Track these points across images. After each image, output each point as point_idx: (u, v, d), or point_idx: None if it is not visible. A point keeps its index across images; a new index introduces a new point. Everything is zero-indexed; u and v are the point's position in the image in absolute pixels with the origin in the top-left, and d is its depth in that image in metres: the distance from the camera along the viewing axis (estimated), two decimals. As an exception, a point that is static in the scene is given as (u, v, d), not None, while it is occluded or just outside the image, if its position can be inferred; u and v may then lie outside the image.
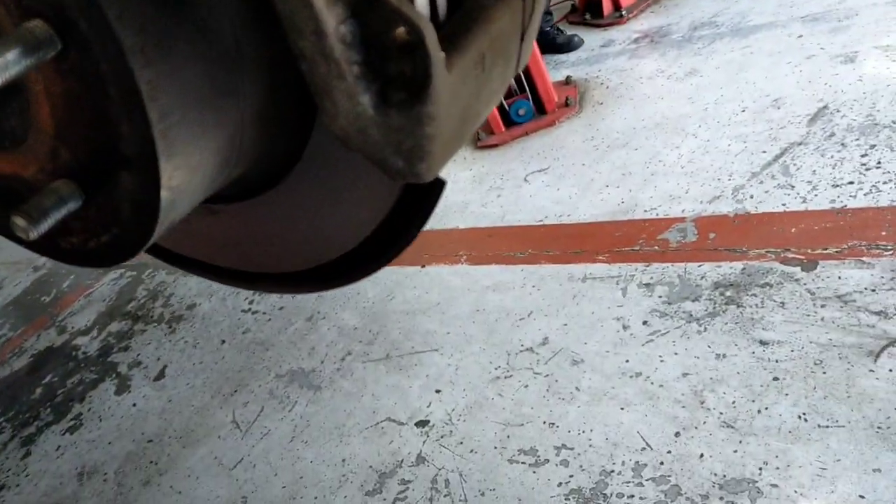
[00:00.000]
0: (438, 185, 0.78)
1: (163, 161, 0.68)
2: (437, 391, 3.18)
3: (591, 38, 6.00)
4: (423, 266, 4.02)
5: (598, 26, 6.11)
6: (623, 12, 6.07)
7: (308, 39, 0.63)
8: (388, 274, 4.10)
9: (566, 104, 5.01)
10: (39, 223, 0.71)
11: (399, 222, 0.85)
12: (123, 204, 0.73)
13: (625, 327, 3.09)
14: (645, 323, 3.06)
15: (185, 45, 0.66)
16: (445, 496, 2.69)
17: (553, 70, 5.57)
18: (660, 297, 3.15)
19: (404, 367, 3.40)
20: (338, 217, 0.89)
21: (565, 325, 3.22)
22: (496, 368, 3.15)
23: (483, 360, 3.21)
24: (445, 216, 4.32)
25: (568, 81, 5.31)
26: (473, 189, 4.53)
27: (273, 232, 0.94)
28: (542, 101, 4.99)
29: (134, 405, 3.90)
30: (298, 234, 0.93)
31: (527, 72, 4.93)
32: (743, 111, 4.15)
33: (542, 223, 3.95)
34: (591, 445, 2.65)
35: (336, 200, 0.86)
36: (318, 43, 0.63)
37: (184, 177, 0.72)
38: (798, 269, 3.02)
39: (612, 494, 2.45)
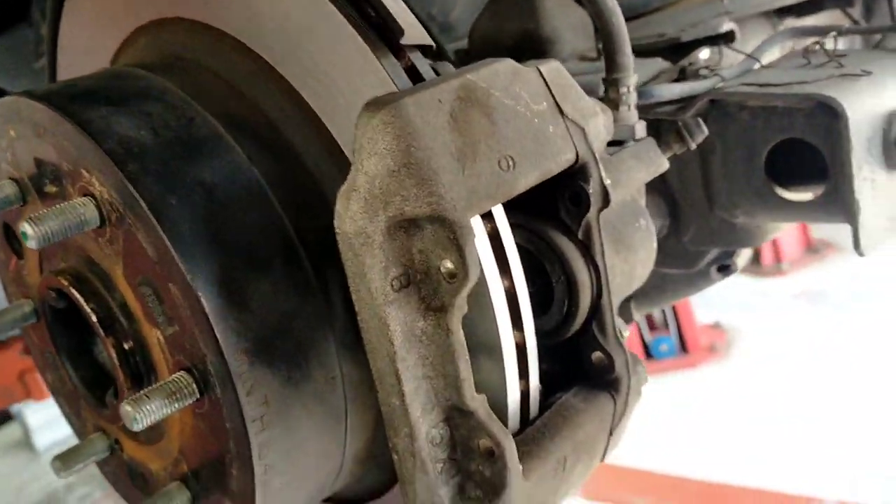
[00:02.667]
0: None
1: (259, 501, 0.76)
2: None
3: (748, 286, 5.91)
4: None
5: (756, 274, 6.04)
6: (783, 265, 5.98)
7: (401, 438, 0.70)
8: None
9: (712, 349, 4.91)
10: (151, 522, 0.81)
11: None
12: (222, 521, 0.82)
13: None
14: None
15: (300, 411, 0.76)
16: None
17: (701, 308, 5.50)
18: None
19: None
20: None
21: None
22: None
23: None
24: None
25: (717, 326, 5.22)
26: (600, 419, 4.45)
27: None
28: (685, 339, 4.93)
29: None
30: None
31: (672, 307, 4.91)
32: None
33: (665, 473, 3.80)
34: None
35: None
36: (409, 443, 0.70)
37: (277, 509, 0.80)
38: None
39: None
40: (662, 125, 0.99)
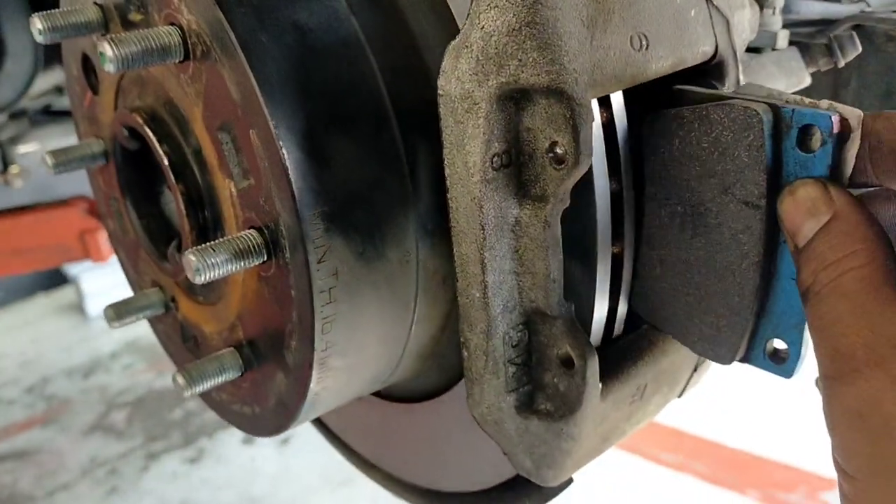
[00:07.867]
0: (565, 482, 0.76)
1: (314, 382, 0.72)
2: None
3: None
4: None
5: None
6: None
7: (475, 334, 0.65)
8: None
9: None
10: (196, 385, 0.78)
11: (519, 487, 0.84)
12: (270, 394, 0.78)
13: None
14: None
15: (369, 290, 0.70)
16: None
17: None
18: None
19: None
20: (463, 459, 0.89)
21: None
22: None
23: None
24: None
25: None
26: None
27: (397, 438, 0.96)
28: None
29: (253, 460, 4.03)
30: (420, 453, 0.94)
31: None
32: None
33: (697, 434, 3.74)
34: None
35: (463, 445, 0.86)
36: (483, 340, 0.64)
37: (330, 393, 0.76)
38: None
39: None
40: (800, 46, 0.89)
